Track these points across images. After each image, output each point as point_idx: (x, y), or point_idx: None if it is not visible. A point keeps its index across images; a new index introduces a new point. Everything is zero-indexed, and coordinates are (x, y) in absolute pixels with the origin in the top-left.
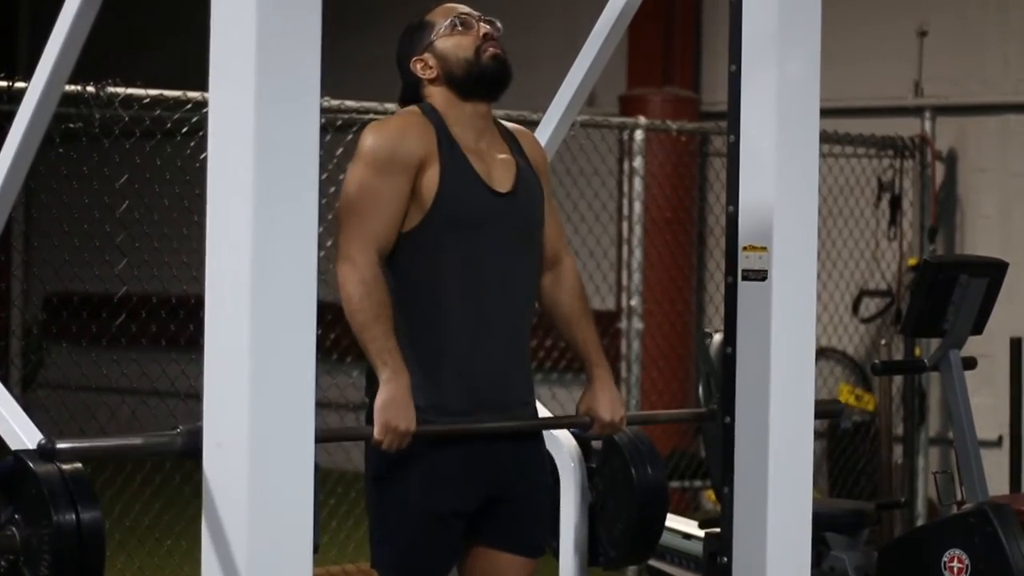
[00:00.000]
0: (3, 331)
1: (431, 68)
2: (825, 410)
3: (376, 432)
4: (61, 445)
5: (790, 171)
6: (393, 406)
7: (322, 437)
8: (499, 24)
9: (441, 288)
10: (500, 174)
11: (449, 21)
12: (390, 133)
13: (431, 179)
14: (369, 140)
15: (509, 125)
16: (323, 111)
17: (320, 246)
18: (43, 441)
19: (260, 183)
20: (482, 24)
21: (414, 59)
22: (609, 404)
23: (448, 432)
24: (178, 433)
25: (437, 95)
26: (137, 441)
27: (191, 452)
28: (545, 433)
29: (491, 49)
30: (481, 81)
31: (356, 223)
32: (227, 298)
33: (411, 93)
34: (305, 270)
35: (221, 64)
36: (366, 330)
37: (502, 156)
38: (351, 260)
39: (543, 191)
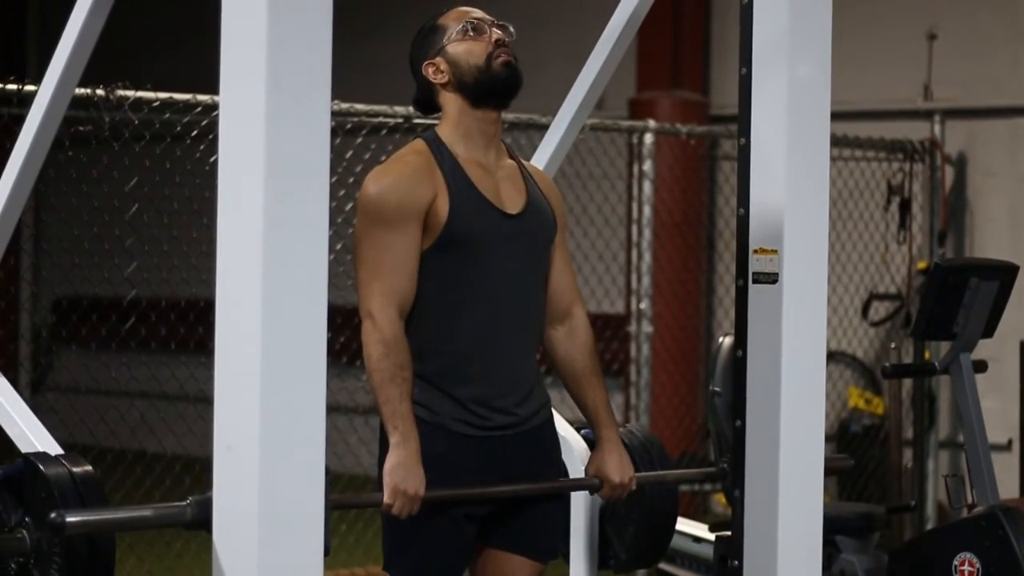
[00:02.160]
0: (12, 334)
1: (442, 73)
2: (833, 467)
3: (386, 497)
4: (71, 519)
5: (801, 174)
6: (402, 470)
7: (334, 505)
8: (512, 29)
9: (452, 308)
10: (509, 194)
11: (461, 26)
12: (393, 184)
13: (440, 209)
14: (373, 192)
15: (529, 165)
16: (333, 114)
17: (330, 249)
18: (53, 516)
19: (270, 186)
20: (494, 30)
21: (426, 63)
22: (618, 466)
23: (458, 497)
24: (188, 504)
25: (449, 101)
26: (147, 513)
27: (201, 523)
28: (559, 437)
29: (502, 56)
30: (492, 89)
31: (374, 280)
32: (237, 301)
33: (425, 96)
34: (315, 273)
35: (232, 67)
36: (381, 391)
37: (511, 172)
38: (372, 318)
39: (555, 218)
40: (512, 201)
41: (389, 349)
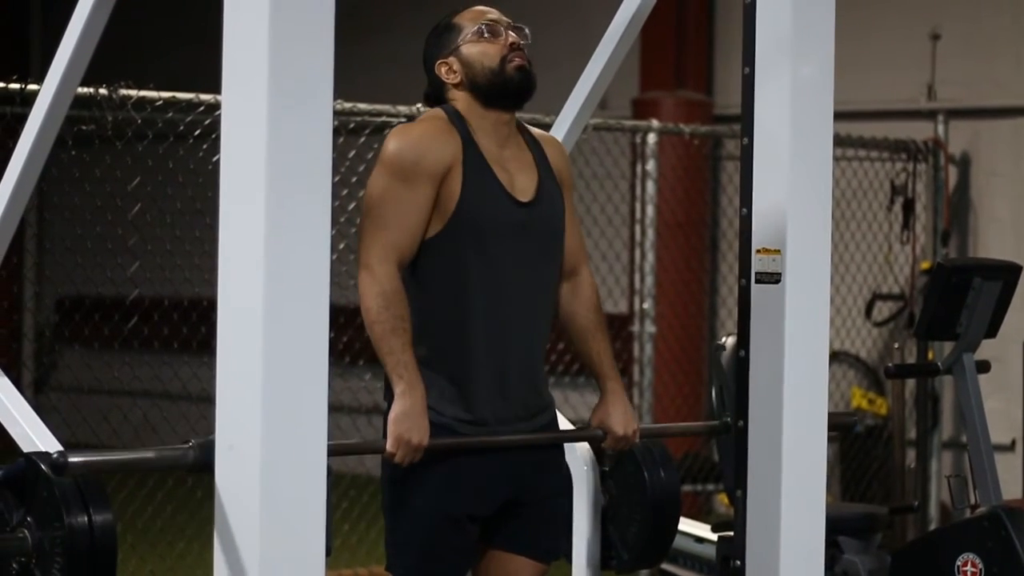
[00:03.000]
0: (16, 334)
1: (455, 73)
2: (839, 423)
3: (389, 445)
4: (73, 459)
5: (804, 173)
6: (406, 419)
7: (335, 451)
8: (527, 32)
9: (463, 296)
10: (522, 183)
11: (476, 27)
12: (415, 140)
13: (453, 187)
14: (393, 146)
15: (535, 131)
16: (335, 114)
17: (332, 249)
18: (55, 455)
19: (272, 185)
20: (510, 33)
21: (439, 61)
22: (622, 418)
23: (460, 444)
24: (190, 446)
25: (460, 100)
26: (149, 455)
27: (204, 466)
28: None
29: (516, 60)
30: (504, 92)
31: (378, 232)
32: (239, 301)
33: (436, 93)
34: (318, 273)
35: (234, 66)
36: (383, 342)
37: (525, 164)
38: (371, 270)
39: (565, 200)
40: (523, 186)
41: (389, 301)
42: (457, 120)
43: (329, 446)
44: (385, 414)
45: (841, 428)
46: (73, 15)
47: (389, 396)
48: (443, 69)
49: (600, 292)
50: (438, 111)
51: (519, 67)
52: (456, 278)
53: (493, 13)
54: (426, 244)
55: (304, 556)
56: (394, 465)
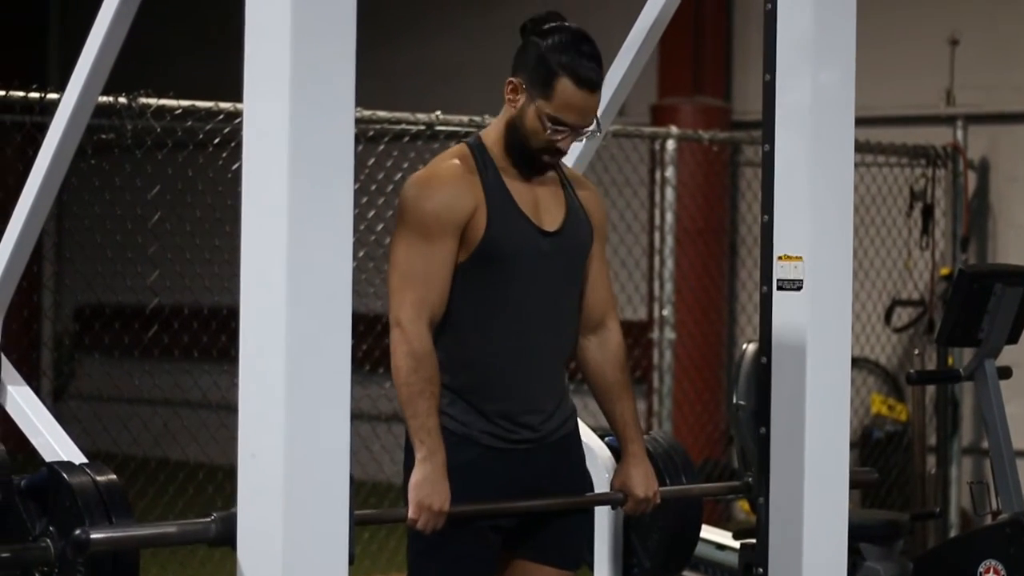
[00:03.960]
0: (35, 343)
1: (513, 103)
2: (858, 480)
3: (411, 512)
4: (95, 536)
5: (825, 180)
6: (427, 485)
7: (359, 520)
8: (596, 127)
9: (488, 321)
10: (548, 209)
11: (552, 110)
12: (436, 193)
13: (479, 224)
14: (412, 202)
15: (571, 173)
16: (355, 121)
17: (352, 256)
18: (78, 532)
19: (295, 194)
20: (571, 135)
21: (517, 79)
22: (643, 481)
23: (483, 512)
24: (212, 520)
25: (501, 121)
26: (171, 529)
27: (225, 539)
28: (583, 447)
29: (554, 156)
30: (524, 162)
31: (407, 290)
32: (262, 310)
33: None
34: (339, 281)
35: (255, 75)
36: (409, 405)
37: (553, 196)
38: (403, 329)
39: (596, 248)
40: (551, 217)
41: (419, 363)
42: (480, 156)
43: (355, 516)
44: (404, 467)
45: (860, 486)
46: (94, 25)
47: (409, 452)
48: (510, 87)
49: (619, 299)
50: (461, 148)
51: (550, 161)
52: (481, 304)
53: (584, 103)
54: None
55: (327, 564)
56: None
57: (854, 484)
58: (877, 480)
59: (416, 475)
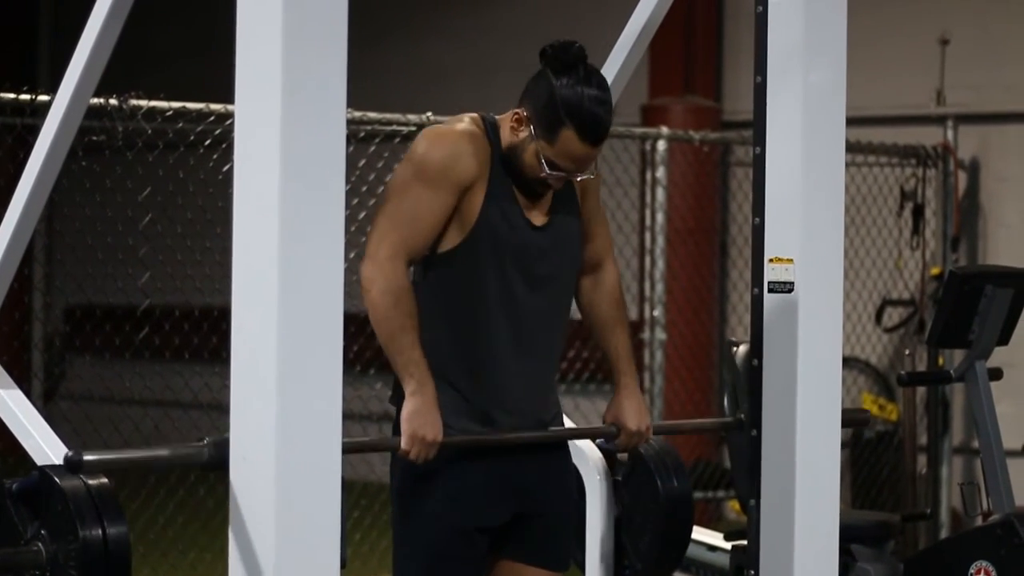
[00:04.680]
0: (26, 345)
1: (517, 132)
2: (852, 419)
3: (403, 443)
4: (88, 457)
5: (816, 182)
6: (419, 417)
7: (348, 449)
8: (591, 172)
9: (476, 312)
10: (539, 206)
11: (554, 154)
12: (447, 145)
13: (475, 201)
14: (424, 146)
15: None
16: (346, 122)
17: (344, 257)
18: (70, 454)
19: (286, 195)
20: (564, 179)
21: (523, 111)
22: (635, 413)
23: (474, 442)
24: (205, 444)
25: (505, 142)
26: (164, 452)
27: (218, 463)
28: (571, 445)
29: (545, 188)
30: (518, 182)
31: (392, 227)
32: (253, 311)
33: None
34: (331, 282)
35: (247, 76)
36: (393, 341)
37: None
38: (379, 264)
39: (590, 196)
40: (543, 210)
41: (397, 298)
42: (493, 133)
43: (343, 444)
44: (394, 422)
45: (854, 424)
46: (86, 26)
47: (397, 400)
48: (515, 119)
49: None
50: (477, 119)
51: (541, 190)
52: (471, 293)
53: (586, 156)
54: (443, 256)
55: (320, 566)
56: (402, 477)
57: (846, 423)
58: (867, 419)
59: (408, 407)
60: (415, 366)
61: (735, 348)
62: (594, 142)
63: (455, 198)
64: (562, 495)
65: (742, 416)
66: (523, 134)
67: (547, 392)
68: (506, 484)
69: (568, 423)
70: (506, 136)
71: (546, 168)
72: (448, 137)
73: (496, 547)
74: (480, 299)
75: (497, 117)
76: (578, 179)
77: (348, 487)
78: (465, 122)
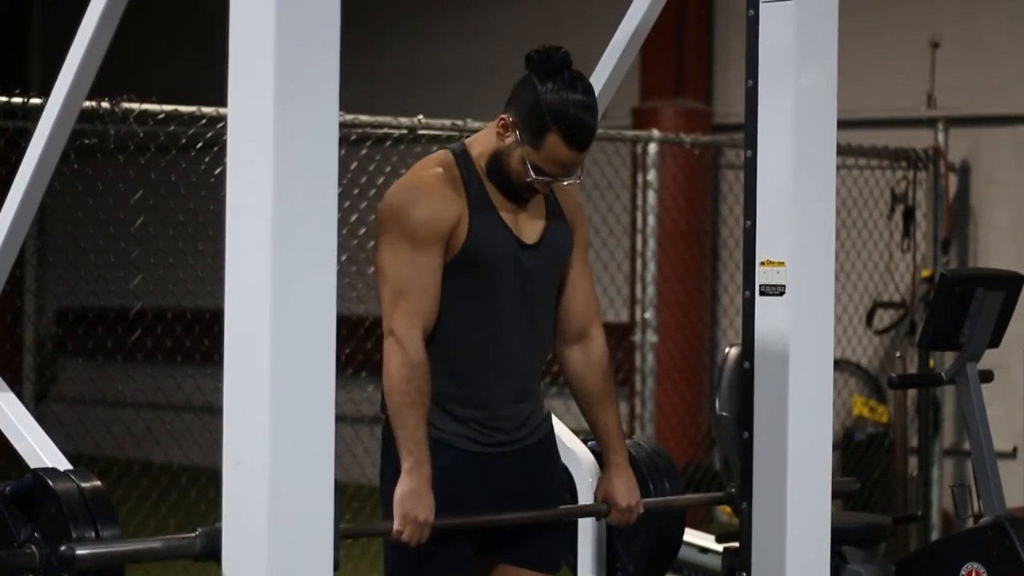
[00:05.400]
0: (17, 347)
1: (503, 137)
2: (841, 490)
3: (396, 524)
4: (80, 552)
5: (807, 186)
6: (412, 497)
7: (345, 534)
8: (577, 176)
9: (460, 331)
10: (529, 222)
11: (540, 159)
12: (423, 202)
13: (460, 231)
14: (400, 207)
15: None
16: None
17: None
18: (63, 549)
19: (279, 197)
20: (552, 182)
21: (509, 116)
22: (626, 491)
23: (467, 525)
24: (197, 536)
25: (489, 145)
26: (156, 545)
27: (211, 554)
28: (562, 448)
29: (532, 193)
30: (506, 190)
31: (399, 300)
32: (246, 314)
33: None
34: (324, 284)
35: (240, 79)
36: (399, 415)
37: (534, 202)
38: (398, 339)
39: (572, 243)
40: (531, 229)
41: (413, 373)
42: (464, 165)
43: (341, 530)
44: (382, 486)
45: (842, 496)
46: (79, 30)
47: (387, 465)
48: (501, 123)
49: (601, 302)
50: (444, 155)
51: (528, 196)
52: (458, 313)
53: (572, 161)
54: None
55: (313, 570)
56: (392, 479)
57: (836, 494)
58: (857, 490)
59: (402, 487)
60: (415, 445)
61: (724, 418)
62: (580, 147)
63: (443, 246)
64: (553, 497)
65: (733, 490)
66: (509, 139)
67: (533, 398)
68: (495, 487)
69: (559, 425)
70: (491, 142)
71: (532, 173)
72: (420, 192)
73: (486, 550)
74: (465, 318)
75: (467, 140)
76: (565, 183)
77: (339, 490)
78: (432, 166)
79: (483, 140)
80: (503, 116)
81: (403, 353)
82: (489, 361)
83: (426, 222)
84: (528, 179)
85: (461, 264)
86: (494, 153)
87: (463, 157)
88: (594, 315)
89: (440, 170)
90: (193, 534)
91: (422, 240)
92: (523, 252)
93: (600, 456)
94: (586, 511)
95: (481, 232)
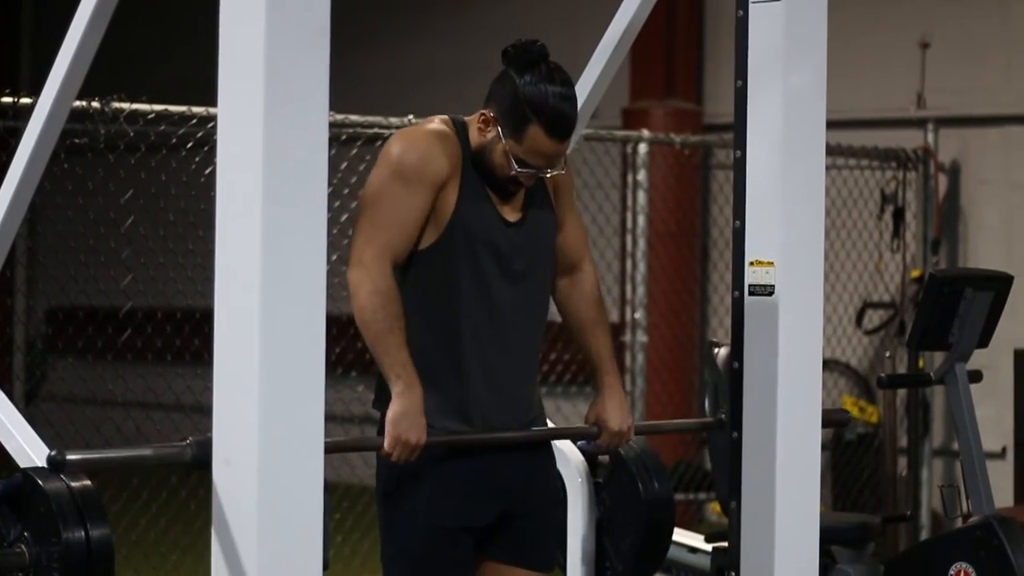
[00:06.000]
0: (7, 347)
1: (485, 133)
2: (831, 419)
3: (387, 444)
4: (71, 457)
5: (797, 186)
6: (405, 419)
7: (331, 448)
8: (561, 167)
9: (453, 309)
10: (512, 203)
11: (522, 152)
12: (420, 145)
13: (449, 199)
14: (397, 148)
15: None
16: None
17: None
18: (53, 453)
19: (269, 197)
20: (536, 174)
21: (489, 112)
22: (618, 413)
23: (457, 442)
24: (188, 444)
25: (474, 144)
26: (147, 452)
27: (201, 463)
28: (552, 447)
29: (516, 186)
30: (490, 181)
31: (375, 231)
32: (236, 314)
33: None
34: (314, 284)
35: (230, 78)
36: (379, 342)
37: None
38: (366, 267)
39: (564, 197)
40: (515, 207)
41: (385, 300)
42: (462, 133)
43: (325, 444)
44: (380, 420)
45: (834, 424)
46: (69, 29)
47: (381, 402)
48: (482, 118)
49: None
50: (446, 119)
51: (513, 189)
52: (448, 291)
53: (554, 152)
54: (420, 255)
55: (302, 569)
56: (388, 479)
57: (826, 423)
58: (848, 419)
59: (393, 408)
60: (402, 367)
61: (716, 349)
62: (561, 137)
63: (432, 196)
64: (547, 495)
65: (723, 416)
66: (491, 135)
67: (528, 389)
68: (491, 484)
69: (551, 425)
70: (475, 137)
71: (515, 166)
72: (420, 137)
73: (481, 547)
74: (457, 296)
75: (465, 119)
76: (549, 175)
77: (330, 489)
78: (435, 123)
79: (473, 126)
80: (483, 112)
81: (371, 282)
82: (483, 341)
83: (421, 164)
84: (512, 172)
85: (450, 237)
86: (477, 149)
87: (462, 128)
88: (585, 251)
89: (444, 128)
90: (184, 442)
91: (413, 180)
92: (507, 230)
93: (590, 458)
94: (577, 432)
95: (470, 202)
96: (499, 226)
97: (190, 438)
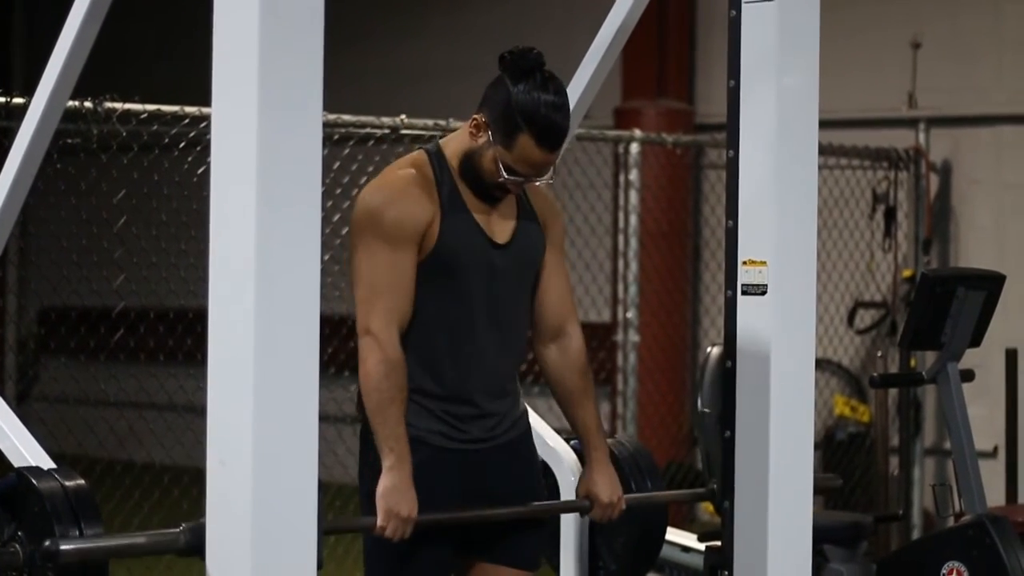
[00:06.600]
0: (0, 347)
1: (475, 138)
2: (822, 486)
3: (380, 519)
4: (64, 547)
5: (789, 186)
6: (395, 493)
7: (329, 529)
8: (549, 177)
9: (435, 328)
10: (501, 222)
11: (512, 159)
12: (397, 202)
13: (433, 231)
14: (373, 210)
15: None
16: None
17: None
18: (47, 543)
19: (262, 197)
20: (522, 184)
21: (481, 117)
22: (607, 487)
23: (451, 520)
24: (181, 531)
25: (461, 145)
26: (141, 540)
27: (194, 549)
28: (544, 447)
29: (504, 193)
30: (477, 189)
31: (376, 297)
32: (230, 314)
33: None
34: (307, 284)
35: (223, 78)
36: (379, 413)
37: (507, 201)
38: (375, 337)
39: (551, 254)
40: (502, 229)
41: (391, 370)
42: (438, 164)
43: (325, 526)
44: (362, 485)
45: (824, 492)
46: (63, 29)
47: (365, 466)
48: (473, 123)
49: (584, 302)
50: (418, 156)
51: (500, 196)
52: (432, 312)
53: (543, 161)
54: None
55: (296, 570)
56: (371, 480)
57: (818, 490)
58: (840, 486)
59: (384, 483)
60: (396, 441)
61: (706, 414)
62: (551, 148)
63: (417, 245)
64: (530, 495)
65: (715, 486)
66: (481, 139)
67: (509, 394)
68: (473, 486)
69: (540, 423)
70: (464, 142)
71: (504, 173)
72: (394, 192)
73: (466, 548)
74: (440, 317)
75: (442, 140)
76: (537, 183)
77: (322, 489)
78: (404, 167)
79: (457, 140)
80: (475, 116)
81: (381, 351)
82: (464, 358)
83: (400, 222)
84: (500, 179)
85: (433, 264)
86: (467, 153)
87: (437, 157)
88: (570, 312)
89: (412, 171)
90: (177, 529)
91: (396, 240)
92: (495, 252)
93: (581, 455)
94: (568, 507)
95: (453, 233)
96: (486, 247)
97: (183, 524)
